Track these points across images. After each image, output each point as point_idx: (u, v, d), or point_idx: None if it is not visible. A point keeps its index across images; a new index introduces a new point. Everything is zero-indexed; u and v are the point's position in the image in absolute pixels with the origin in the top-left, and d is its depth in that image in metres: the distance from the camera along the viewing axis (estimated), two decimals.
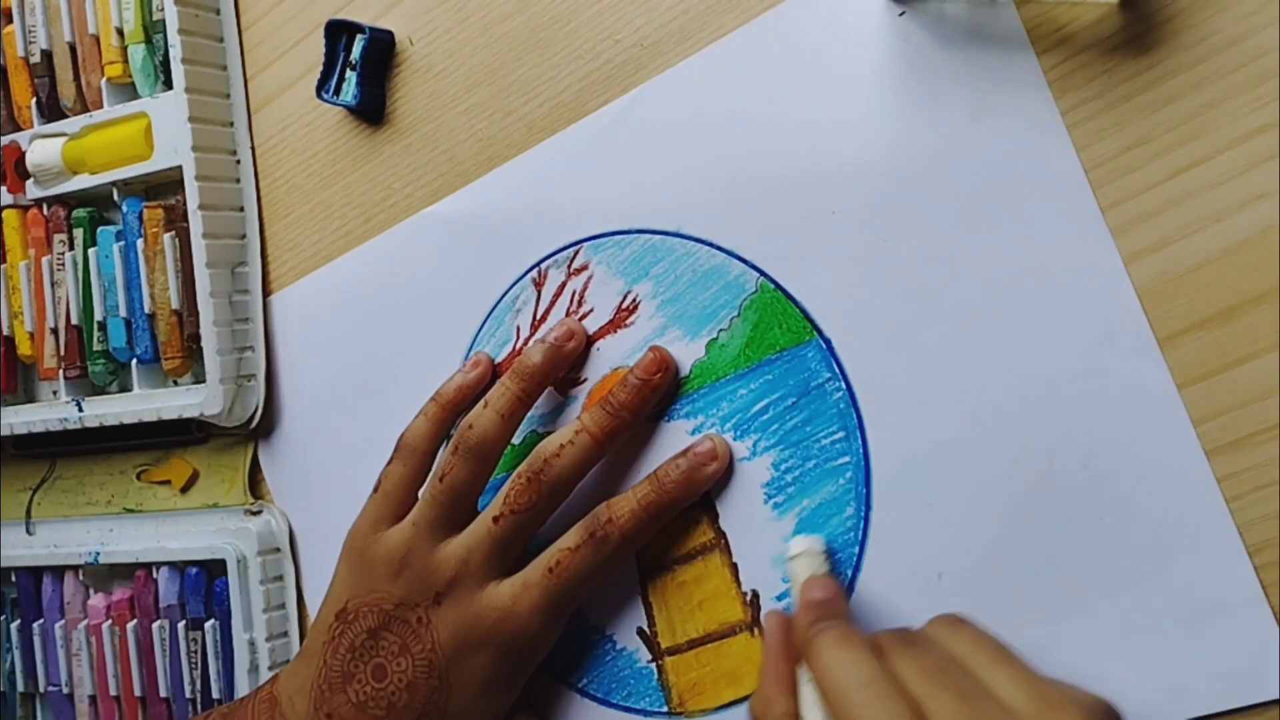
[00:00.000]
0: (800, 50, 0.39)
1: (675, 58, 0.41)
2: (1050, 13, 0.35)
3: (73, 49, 0.53)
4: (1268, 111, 0.33)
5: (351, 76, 0.47)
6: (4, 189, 0.55)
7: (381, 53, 0.47)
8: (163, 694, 0.53)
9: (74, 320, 0.53)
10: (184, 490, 0.54)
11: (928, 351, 0.37)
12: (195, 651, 0.52)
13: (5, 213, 0.55)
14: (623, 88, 0.42)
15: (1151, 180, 0.34)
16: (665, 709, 0.42)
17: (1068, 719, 0.30)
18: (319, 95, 0.47)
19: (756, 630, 0.40)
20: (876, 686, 0.31)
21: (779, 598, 0.40)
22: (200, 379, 0.50)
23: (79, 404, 0.53)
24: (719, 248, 0.41)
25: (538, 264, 0.44)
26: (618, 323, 0.43)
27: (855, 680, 0.32)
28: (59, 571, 0.57)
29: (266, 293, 0.51)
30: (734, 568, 0.41)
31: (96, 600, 0.55)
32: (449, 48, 0.46)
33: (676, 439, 0.41)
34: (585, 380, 0.43)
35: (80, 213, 0.53)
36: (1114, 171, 0.35)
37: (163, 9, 0.49)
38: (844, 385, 0.39)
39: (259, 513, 0.52)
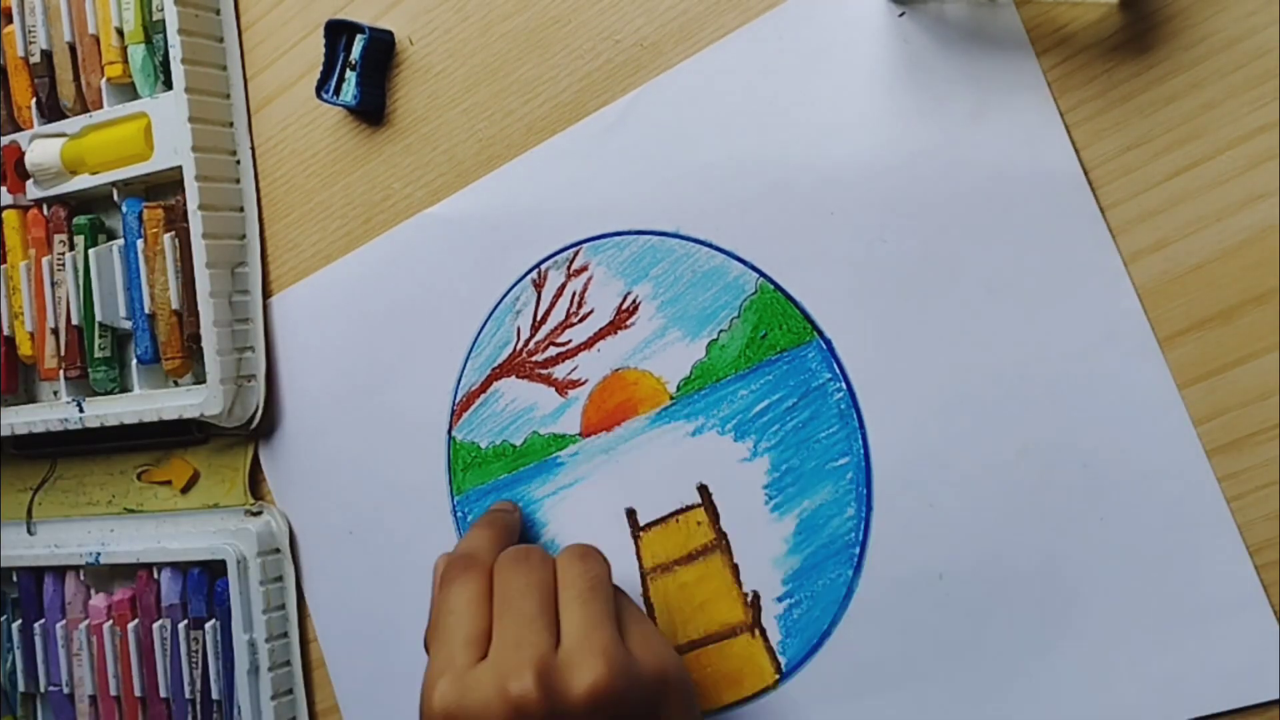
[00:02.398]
0: (800, 51, 0.39)
1: (675, 58, 0.41)
2: (1050, 13, 0.35)
3: (72, 49, 0.53)
4: (1268, 111, 0.33)
5: (351, 76, 0.47)
6: (4, 189, 0.55)
7: (381, 53, 0.47)
8: (163, 694, 0.53)
9: (74, 320, 0.53)
10: (184, 491, 0.54)
11: (928, 351, 0.37)
12: (196, 652, 0.52)
13: (5, 213, 0.55)
14: (622, 88, 0.42)
15: (1151, 180, 0.34)
16: None
17: (588, 668, 0.33)
18: (319, 95, 0.47)
19: (757, 631, 0.40)
20: (456, 613, 0.36)
21: (780, 599, 0.40)
22: (200, 379, 0.50)
23: (79, 404, 0.53)
24: (719, 248, 0.41)
25: (538, 265, 0.44)
26: (618, 324, 0.43)
27: (447, 604, 0.37)
28: (60, 571, 0.57)
29: (267, 293, 0.51)
30: (735, 569, 0.41)
31: (97, 600, 0.55)
32: (449, 48, 0.46)
33: (677, 440, 0.41)
34: (586, 382, 0.43)
35: (81, 220, 0.53)
36: (1114, 171, 0.35)
37: (163, 9, 0.49)
38: (844, 386, 0.39)
39: (259, 513, 0.52)
